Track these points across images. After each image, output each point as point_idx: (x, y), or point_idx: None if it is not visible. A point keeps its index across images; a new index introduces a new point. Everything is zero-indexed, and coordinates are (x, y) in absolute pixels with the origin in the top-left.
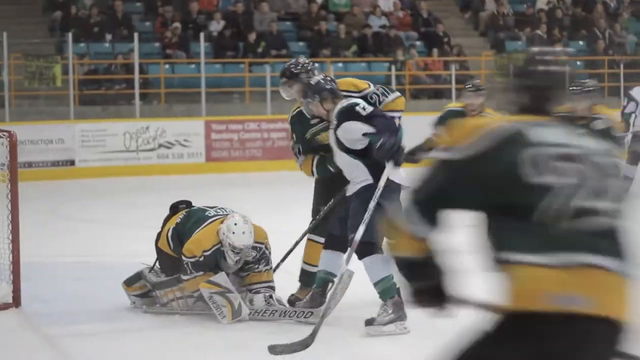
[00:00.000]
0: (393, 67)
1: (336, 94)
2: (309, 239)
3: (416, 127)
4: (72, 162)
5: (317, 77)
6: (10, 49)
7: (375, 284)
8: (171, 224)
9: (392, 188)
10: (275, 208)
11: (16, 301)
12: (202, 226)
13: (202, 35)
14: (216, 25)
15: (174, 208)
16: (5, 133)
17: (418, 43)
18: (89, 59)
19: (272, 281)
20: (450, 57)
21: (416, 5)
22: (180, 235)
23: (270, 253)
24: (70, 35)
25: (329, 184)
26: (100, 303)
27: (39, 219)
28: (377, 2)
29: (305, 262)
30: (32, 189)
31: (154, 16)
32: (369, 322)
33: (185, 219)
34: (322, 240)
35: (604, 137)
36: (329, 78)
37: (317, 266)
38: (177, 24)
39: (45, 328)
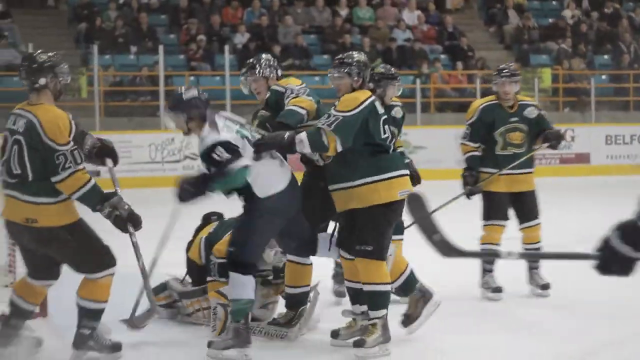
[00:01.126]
0: (418, 81)
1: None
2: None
3: (441, 139)
4: (98, 173)
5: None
6: None
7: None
8: (204, 234)
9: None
10: None
11: (43, 311)
12: None
13: (226, 47)
14: (240, 38)
15: (206, 219)
16: None
17: (442, 56)
18: (114, 71)
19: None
20: (474, 70)
21: (441, 19)
22: (213, 243)
23: None
24: (95, 47)
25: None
26: (127, 312)
27: None
28: (402, 15)
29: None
30: None
31: (179, 29)
32: (209, 345)
33: (219, 227)
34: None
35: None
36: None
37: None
38: (201, 37)
39: (71, 338)
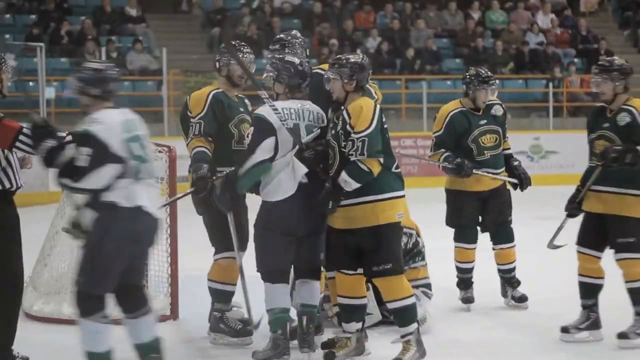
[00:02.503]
0: (550, 85)
1: None
2: None
3: (574, 144)
4: None
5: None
6: (170, 64)
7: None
8: None
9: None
10: (431, 225)
11: (174, 313)
12: None
13: (358, 51)
14: (372, 42)
15: None
16: (164, 148)
17: (576, 60)
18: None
19: (427, 278)
20: None
21: (575, 22)
22: None
23: (423, 247)
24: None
25: None
26: (256, 316)
27: (197, 233)
28: (536, 18)
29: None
30: (189, 202)
31: (311, 33)
32: (253, 355)
33: None
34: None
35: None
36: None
37: None
38: (334, 41)
39: (201, 341)
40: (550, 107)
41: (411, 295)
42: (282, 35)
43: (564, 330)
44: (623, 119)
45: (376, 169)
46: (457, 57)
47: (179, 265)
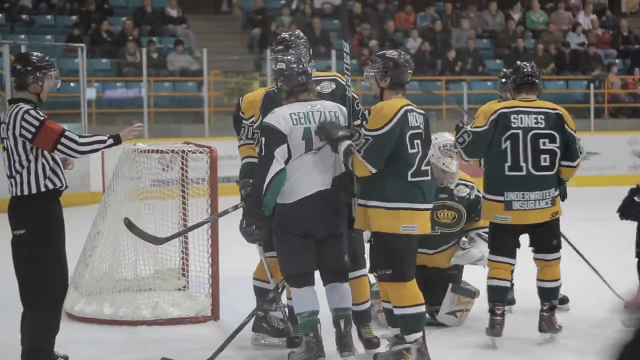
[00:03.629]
0: (591, 86)
1: None
2: None
3: (615, 145)
4: None
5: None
6: (210, 65)
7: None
8: None
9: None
10: None
11: (215, 314)
12: None
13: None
14: (413, 43)
15: None
16: (205, 149)
17: (617, 61)
18: None
19: (486, 227)
20: None
21: (616, 23)
22: None
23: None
24: (268, 51)
25: None
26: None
27: (238, 233)
28: (577, 19)
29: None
30: (231, 203)
31: (352, 34)
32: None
33: None
34: None
35: None
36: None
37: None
38: (374, 42)
39: (242, 341)
40: (592, 108)
41: (417, 305)
42: (285, 36)
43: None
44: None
45: (358, 172)
46: (497, 57)
47: (219, 265)
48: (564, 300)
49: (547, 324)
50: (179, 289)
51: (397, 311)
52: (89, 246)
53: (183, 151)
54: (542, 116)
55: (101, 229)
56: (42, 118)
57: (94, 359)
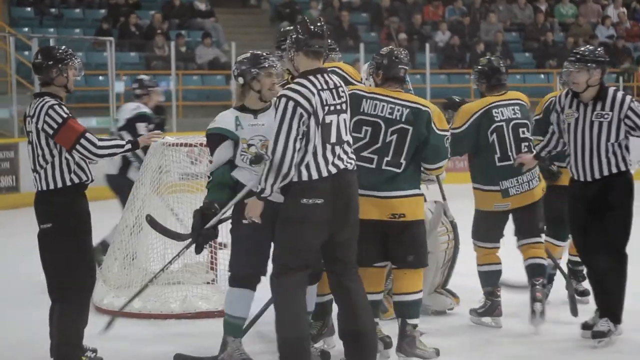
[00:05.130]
0: (621, 78)
1: None
2: None
3: None
4: None
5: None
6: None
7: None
8: None
9: None
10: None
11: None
12: None
13: (427, 45)
14: (442, 36)
15: None
16: None
17: None
18: None
19: None
20: None
21: None
22: None
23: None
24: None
25: None
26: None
27: None
28: (606, 12)
29: None
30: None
31: (380, 27)
32: None
33: None
34: None
35: None
36: None
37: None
38: (402, 35)
39: (268, 337)
40: None
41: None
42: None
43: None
44: None
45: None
46: (526, 51)
47: None
48: (584, 293)
49: (543, 295)
50: (208, 283)
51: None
52: (118, 239)
53: None
54: (517, 107)
55: (129, 222)
56: (65, 116)
57: (122, 352)
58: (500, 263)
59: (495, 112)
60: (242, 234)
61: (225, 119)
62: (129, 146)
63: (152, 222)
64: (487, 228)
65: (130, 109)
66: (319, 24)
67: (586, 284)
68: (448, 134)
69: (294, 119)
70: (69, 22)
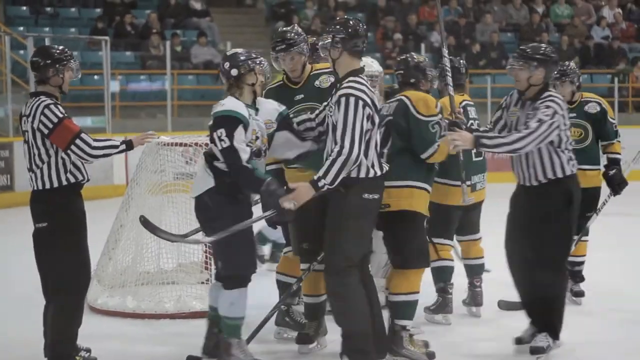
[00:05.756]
0: (616, 79)
1: None
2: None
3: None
4: None
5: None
6: None
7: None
8: None
9: None
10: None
11: None
12: None
13: (423, 45)
14: (437, 36)
15: None
16: None
17: None
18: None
19: None
20: None
21: None
22: None
23: None
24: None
25: None
26: None
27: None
28: (602, 12)
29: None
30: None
31: (376, 27)
32: None
33: None
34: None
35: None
36: None
37: None
38: (398, 35)
39: (265, 335)
40: (616, 102)
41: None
42: (285, 30)
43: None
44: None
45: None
46: None
47: None
48: (579, 294)
49: (481, 298)
50: (202, 282)
51: None
52: (112, 239)
53: (206, 144)
54: (474, 107)
55: (124, 222)
56: (61, 115)
57: (116, 352)
58: (452, 259)
59: (469, 110)
60: (237, 234)
61: (237, 105)
62: (123, 147)
63: (146, 223)
64: (444, 224)
65: None
66: (361, 24)
67: (583, 286)
68: (435, 118)
69: (362, 115)
70: (65, 21)
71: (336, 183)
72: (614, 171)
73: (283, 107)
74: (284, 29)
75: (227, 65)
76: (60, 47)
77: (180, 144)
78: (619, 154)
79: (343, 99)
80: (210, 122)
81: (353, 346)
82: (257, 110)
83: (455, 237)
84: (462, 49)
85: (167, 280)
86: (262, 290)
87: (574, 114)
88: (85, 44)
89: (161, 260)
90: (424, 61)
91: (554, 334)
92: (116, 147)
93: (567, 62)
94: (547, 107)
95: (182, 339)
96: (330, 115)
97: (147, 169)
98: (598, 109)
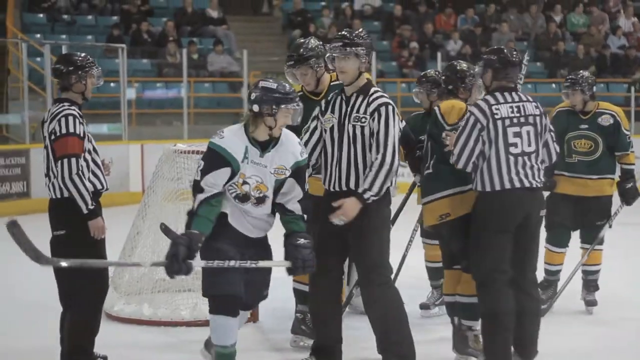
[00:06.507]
0: (632, 88)
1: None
2: None
3: None
4: None
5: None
6: (250, 66)
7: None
8: None
9: None
10: None
11: (254, 316)
12: None
13: (439, 54)
14: (453, 45)
15: None
16: None
17: None
18: None
19: None
20: None
21: None
22: None
23: None
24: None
25: None
26: None
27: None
28: (618, 22)
29: None
30: None
31: (392, 35)
32: None
33: None
34: None
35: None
36: None
37: None
38: (414, 44)
39: (281, 343)
40: (632, 111)
41: None
42: (299, 45)
43: (423, 307)
44: (606, 120)
45: None
46: (537, 60)
47: None
48: (592, 303)
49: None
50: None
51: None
52: (129, 246)
53: None
54: None
55: (141, 230)
56: (73, 131)
57: None
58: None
59: None
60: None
61: (235, 144)
62: (86, 210)
63: (167, 231)
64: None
65: None
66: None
67: (597, 295)
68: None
69: (398, 125)
70: (81, 28)
71: (382, 194)
72: (630, 185)
73: (304, 156)
74: (299, 41)
75: (253, 96)
76: (82, 54)
77: (197, 152)
78: (633, 164)
79: (383, 109)
80: None
81: (402, 352)
82: (267, 149)
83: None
84: (479, 58)
85: (184, 288)
86: (279, 299)
87: (586, 126)
88: (102, 51)
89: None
90: (468, 69)
91: None
92: (83, 198)
93: (580, 71)
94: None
95: (197, 346)
96: (359, 125)
97: (163, 176)
98: (612, 121)
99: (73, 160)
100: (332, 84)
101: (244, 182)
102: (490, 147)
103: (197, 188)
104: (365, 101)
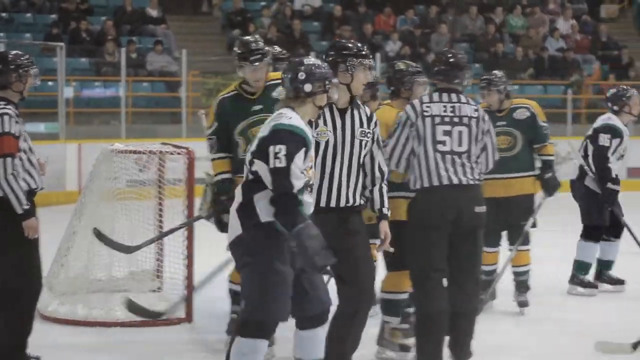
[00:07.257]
0: (569, 91)
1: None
2: None
3: None
4: None
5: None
6: (189, 66)
7: None
8: None
9: None
10: None
11: (189, 316)
12: None
13: (378, 55)
14: (392, 46)
15: None
16: (182, 150)
17: (594, 67)
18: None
19: None
20: (628, 81)
21: (595, 28)
22: None
23: None
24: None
25: None
26: None
27: (213, 236)
28: (556, 24)
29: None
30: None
31: (332, 36)
32: None
33: None
34: None
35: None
36: None
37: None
38: None
39: (216, 344)
40: (569, 113)
41: None
42: (255, 40)
43: None
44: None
45: None
46: (476, 62)
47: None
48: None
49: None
50: (153, 291)
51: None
52: (64, 246)
53: (160, 152)
54: None
55: (77, 229)
56: (7, 130)
57: None
58: None
59: None
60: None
61: (303, 123)
62: (21, 211)
63: (99, 236)
64: None
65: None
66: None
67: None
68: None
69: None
70: (20, 26)
71: None
72: (549, 175)
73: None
74: (249, 38)
75: (301, 76)
76: (22, 53)
77: (134, 151)
78: (552, 155)
79: (374, 118)
80: (264, 133)
81: None
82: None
83: None
84: (418, 59)
85: (119, 288)
86: (215, 299)
87: (504, 122)
88: (40, 49)
89: (113, 268)
90: (406, 68)
91: None
92: (19, 201)
93: (494, 71)
94: None
95: (133, 347)
96: (366, 139)
97: (100, 176)
98: (528, 114)
99: (8, 160)
100: (267, 84)
101: (311, 167)
102: (419, 144)
103: (286, 173)
104: (363, 113)
